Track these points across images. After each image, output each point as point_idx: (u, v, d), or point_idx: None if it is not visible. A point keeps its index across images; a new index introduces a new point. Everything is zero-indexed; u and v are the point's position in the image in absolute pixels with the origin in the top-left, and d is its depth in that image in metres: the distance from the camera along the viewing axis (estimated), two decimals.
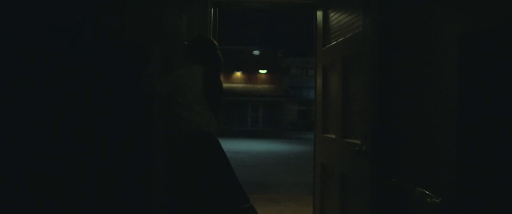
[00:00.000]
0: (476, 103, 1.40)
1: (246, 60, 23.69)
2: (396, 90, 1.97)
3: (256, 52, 23.86)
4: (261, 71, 25.22)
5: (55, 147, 2.22)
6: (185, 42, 2.58)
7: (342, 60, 2.36)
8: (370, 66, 1.95)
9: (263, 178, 7.39)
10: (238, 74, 24.16)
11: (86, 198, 2.18)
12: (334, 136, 2.47)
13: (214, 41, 2.55)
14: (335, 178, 2.42)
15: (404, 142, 1.92)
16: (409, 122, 1.89)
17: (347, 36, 2.31)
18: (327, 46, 2.67)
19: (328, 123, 2.66)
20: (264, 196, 5.22)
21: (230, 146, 13.03)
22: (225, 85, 2.57)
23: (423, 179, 1.73)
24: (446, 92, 1.58)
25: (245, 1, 3.40)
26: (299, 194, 5.58)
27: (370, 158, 1.92)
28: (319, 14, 2.85)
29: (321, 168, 2.72)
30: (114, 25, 2.62)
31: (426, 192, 1.62)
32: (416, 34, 1.84)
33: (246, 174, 7.68)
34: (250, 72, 24.46)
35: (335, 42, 2.52)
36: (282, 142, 17.48)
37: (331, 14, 2.64)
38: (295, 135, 22.19)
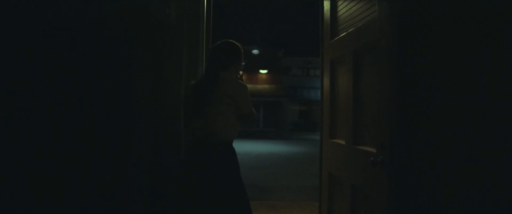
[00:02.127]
0: None
1: (246, 60, 23.31)
2: (421, 89, 1.64)
3: (255, 52, 23.52)
4: (261, 71, 24.92)
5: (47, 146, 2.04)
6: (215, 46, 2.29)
7: (353, 54, 2.03)
8: (388, 60, 1.62)
9: (263, 181, 7.06)
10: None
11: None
12: (343, 142, 2.14)
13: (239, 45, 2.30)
14: (345, 191, 2.09)
15: (433, 154, 1.59)
16: (442, 128, 1.57)
17: (359, 25, 1.98)
18: (335, 38, 2.35)
19: (337, 126, 2.34)
20: (264, 203, 4.89)
21: None
22: None
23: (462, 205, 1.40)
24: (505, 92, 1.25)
25: None
26: (302, 201, 5.26)
27: (387, 170, 1.59)
28: (326, 3, 2.52)
29: (328, 178, 2.39)
30: (93, 15, 2.30)
31: None
32: (455, 18, 1.52)
33: (246, 177, 7.34)
34: (250, 72, 24.14)
35: (344, 33, 2.20)
36: (283, 142, 17.15)
37: (340, 2, 2.31)
38: (296, 136, 21.86)
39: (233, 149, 2.13)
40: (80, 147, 2.23)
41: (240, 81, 2.20)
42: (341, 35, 2.25)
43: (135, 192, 2.26)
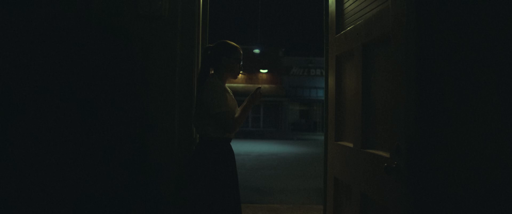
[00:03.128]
0: None
1: (247, 60, 23.17)
2: (445, 85, 1.45)
3: (256, 51, 23.34)
4: (262, 70, 24.76)
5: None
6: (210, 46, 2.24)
7: (362, 48, 1.84)
8: (406, 53, 1.43)
9: (264, 182, 6.87)
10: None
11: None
12: (351, 145, 1.95)
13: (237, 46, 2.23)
14: (353, 199, 1.90)
15: (459, 160, 1.40)
16: (468, 130, 1.37)
17: (369, 16, 1.80)
18: (341, 32, 2.16)
19: (343, 127, 2.15)
20: (265, 207, 4.71)
21: None
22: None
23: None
24: None
25: None
26: (304, 205, 5.07)
27: (404, 178, 1.41)
28: None
29: (334, 183, 2.20)
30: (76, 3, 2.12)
31: None
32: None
33: (246, 178, 7.18)
34: (251, 71, 23.97)
35: (351, 26, 2.01)
36: (283, 143, 16.96)
37: None
38: (296, 136, 21.67)
39: (220, 149, 2.09)
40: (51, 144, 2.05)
41: (212, 80, 2.09)
42: (348, 28, 2.06)
43: None
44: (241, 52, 2.22)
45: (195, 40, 2.32)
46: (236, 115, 2.06)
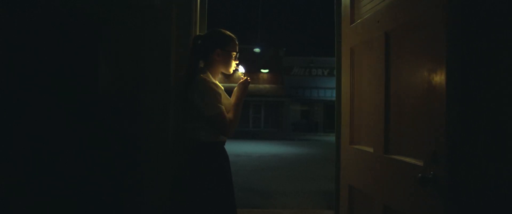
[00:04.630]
0: None
1: (247, 59, 22.91)
2: (498, 80, 1.19)
3: (256, 50, 23.07)
4: (262, 70, 24.52)
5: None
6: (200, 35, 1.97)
7: (385, 38, 1.59)
8: (449, 41, 1.17)
9: (265, 184, 6.62)
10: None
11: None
12: (370, 150, 1.69)
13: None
14: (374, 212, 1.64)
15: None
16: None
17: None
18: (358, 21, 1.90)
19: (359, 129, 1.89)
20: (268, 211, 4.46)
21: (231, 147, 12.20)
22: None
23: None
24: None
25: None
26: (308, 209, 4.82)
27: (443, 192, 1.15)
28: None
29: (349, 192, 1.95)
30: None
31: None
32: None
33: (246, 180, 6.93)
34: (251, 71, 23.71)
35: (370, 13, 1.75)
36: (284, 143, 16.69)
37: None
38: (298, 136, 21.41)
39: (214, 154, 1.85)
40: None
41: (203, 76, 1.82)
42: (366, 16, 1.80)
43: None
44: (237, 43, 1.96)
45: (192, 31, 2.07)
46: (229, 115, 1.81)
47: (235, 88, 1.93)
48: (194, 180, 1.80)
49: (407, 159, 1.39)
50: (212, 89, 1.79)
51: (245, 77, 1.96)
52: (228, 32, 1.97)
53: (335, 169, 2.28)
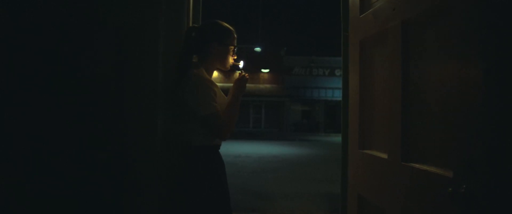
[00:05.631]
0: None
1: (248, 59, 22.73)
2: None
3: (257, 49, 22.87)
4: (263, 70, 24.35)
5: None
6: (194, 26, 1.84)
7: (402, 27, 1.38)
8: (480, 27, 0.97)
9: (266, 187, 6.42)
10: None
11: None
12: (384, 156, 1.48)
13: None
14: None
15: None
16: None
17: None
18: (369, 10, 1.69)
19: (370, 132, 1.68)
20: None
21: (231, 148, 12.03)
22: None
23: None
24: None
25: None
26: (310, 212, 4.61)
27: (480, 210, 0.95)
28: None
29: (358, 203, 1.74)
30: None
31: None
32: None
33: (247, 182, 6.72)
34: (252, 71, 23.52)
35: (383, 1, 1.54)
36: (285, 144, 16.47)
37: None
38: (298, 137, 21.20)
39: (208, 159, 1.67)
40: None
41: (197, 72, 1.65)
42: (378, 5, 1.60)
43: None
44: (236, 36, 1.79)
45: (184, 21, 1.86)
46: (224, 115, 1.63)
47: (232, 85, 1.74)
48: (185, 189, 1.63)
49: (432, 169, 1.18)
50: (206, 86, 1.62)
51: (243, 74, 1.77)
52: (226, 24, 1.80)
53: (341, 175, 2.07)
